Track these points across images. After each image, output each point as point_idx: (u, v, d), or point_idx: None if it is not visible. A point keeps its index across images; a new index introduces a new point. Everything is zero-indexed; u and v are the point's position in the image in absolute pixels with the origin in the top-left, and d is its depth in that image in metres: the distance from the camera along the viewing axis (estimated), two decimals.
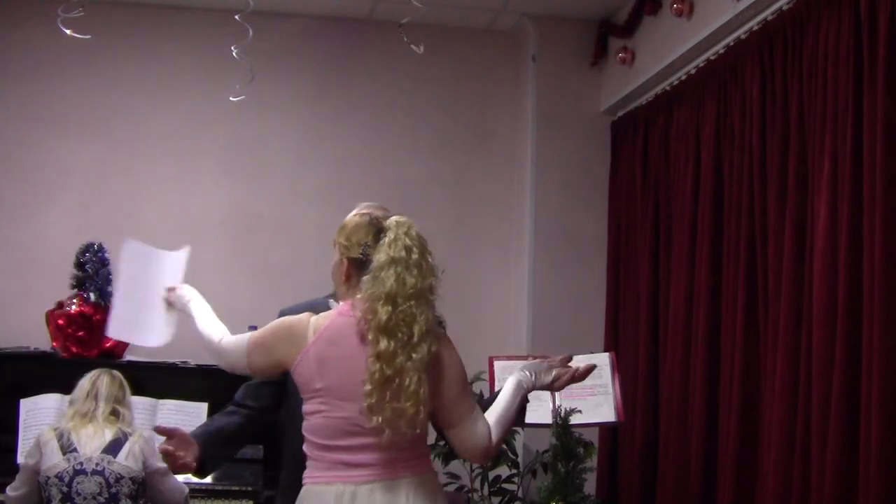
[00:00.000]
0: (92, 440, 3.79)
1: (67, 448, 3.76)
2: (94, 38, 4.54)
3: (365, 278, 2.60)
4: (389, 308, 2.54)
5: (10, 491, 3.88)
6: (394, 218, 2.72)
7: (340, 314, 2.65)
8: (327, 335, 2.60)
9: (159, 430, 2.79)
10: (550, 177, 5.62)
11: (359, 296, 2.61)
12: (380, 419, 2.51)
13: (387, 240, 2.64)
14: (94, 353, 4.87)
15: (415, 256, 2.62)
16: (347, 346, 2.59)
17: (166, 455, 2.76)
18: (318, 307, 2.81)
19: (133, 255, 3.13)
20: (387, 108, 5.82)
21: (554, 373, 2.78)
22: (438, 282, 2.66)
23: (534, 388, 2.76)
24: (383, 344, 2.53)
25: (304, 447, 2.66)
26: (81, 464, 3.74)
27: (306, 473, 2.65)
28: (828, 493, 3.42)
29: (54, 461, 3.76)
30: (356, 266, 2.68)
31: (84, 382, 3.93)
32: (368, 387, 2.51)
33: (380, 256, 2.61)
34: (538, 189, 5.61)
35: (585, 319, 5.53)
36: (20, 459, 4.14)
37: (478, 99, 5.91)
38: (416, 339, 2.54)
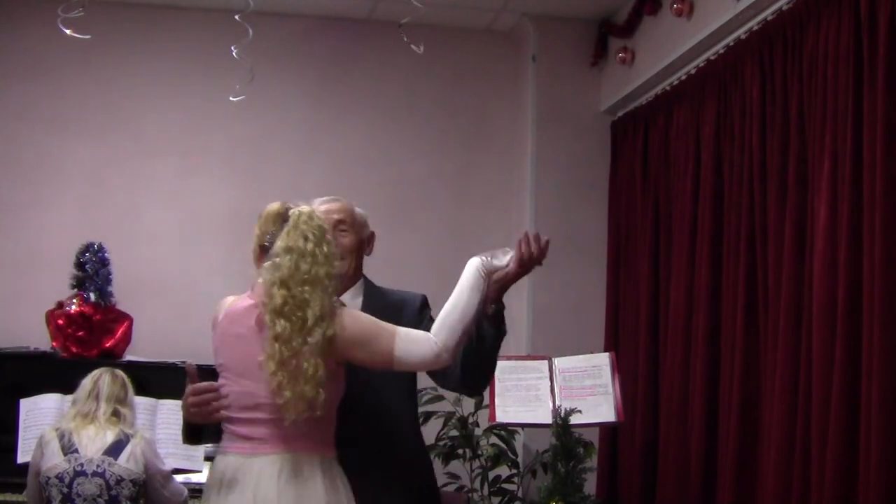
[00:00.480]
0: (93, 441, 3.79)
1: (68, 448, 3.76)
2: (94, 38, 4.53)
3: (266, 264, 2.75)
4: (284, 292, 2.66)
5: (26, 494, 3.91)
6: (297, 208, 2.83)
7: (247, 297, 2.79)
8: (231, 315, 2.77)
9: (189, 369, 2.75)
10: (550, 177, 5.62)
11: (260, 280, 2.75)
12: (283, 399, 2.62)
13: (287, 228, 2.77)
14: (94, 353, 4.86)
15: (310, 245, 2.73)
16: (245, 327, 2.72)
17: (200, 405, 2.72)
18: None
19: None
20: (387, 107, 5.82)
21: (511, 253, 2.81)
22: (336, 270, 2.77)
23: (492, 268, 2.81)
24: (279, 326, 2.65)
25: None
26: (82, 465, 3.74)
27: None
28: (828, 493, 3.42)
29: (55, 461, 3.76)
30: (264, 252, 2.81)
31: (86, 382, 3.93)
32: (272, 367, 2.63)
33: (279, 244, 2.74)
34: (538, 189, 5.61)
35: (585, 319, 5.53)
36: (20, 459, 4.14)
37: (478, 99, 5.91)
38: (310, 323, 2.65)
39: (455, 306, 2.70)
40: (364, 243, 3.21)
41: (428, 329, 2.72)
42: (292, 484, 2.62)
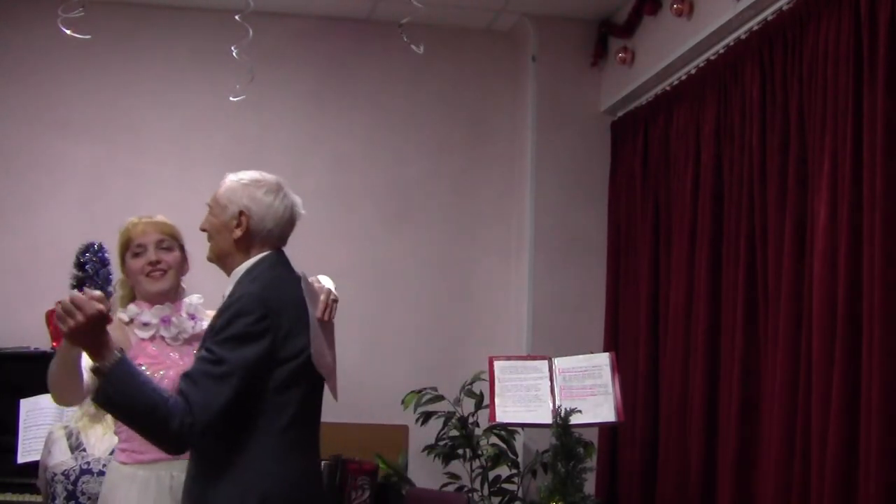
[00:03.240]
0: (101, 441, 3.78)
1: (76, 446, 3.76)
2: (94, 38, 4.53)
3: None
4: None
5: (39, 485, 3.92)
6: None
7: None
8: None
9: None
10: (550, 177, 5.62)
11: None
12: None
13: None
14: None
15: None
16: None
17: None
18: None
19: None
20: (387, 107, 5.82)
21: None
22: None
23: None
24: None
25: None
26: (88, 463, 3.74)
27: None
28: (828, 493, 3.42)
29: (61, 458, 3.76)
30: None
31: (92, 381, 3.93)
32: None
33: None
34: (538, 189, 5.61)
35: (585, 319, 5.53)
36: (20, 459, 4.14)
37: (478, 99, 5.91)
38: None
39: None
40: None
41: None
42: None
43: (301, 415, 2.69)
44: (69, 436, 3.79)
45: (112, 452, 3.75)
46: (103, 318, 2.45)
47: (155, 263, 3.20)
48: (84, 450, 3.76)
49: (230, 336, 2.58)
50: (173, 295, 3.24)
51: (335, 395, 2.83)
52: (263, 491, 2.59)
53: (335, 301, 2.82)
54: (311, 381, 2.73)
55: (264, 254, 2.82)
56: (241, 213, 2.83)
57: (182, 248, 3.28)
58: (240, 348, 2.57)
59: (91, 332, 2.43)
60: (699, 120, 4.71)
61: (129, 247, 3.24)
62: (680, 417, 4.60)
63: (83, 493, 3.72)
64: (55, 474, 3.75)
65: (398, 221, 5.77)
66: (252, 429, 2.61)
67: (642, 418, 4.96)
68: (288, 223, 2.86)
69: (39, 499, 3.90)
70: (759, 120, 4.17)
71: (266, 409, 2.62)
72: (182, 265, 3.28)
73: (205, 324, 3.06)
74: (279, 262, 2.83)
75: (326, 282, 2.92)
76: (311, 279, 2.85)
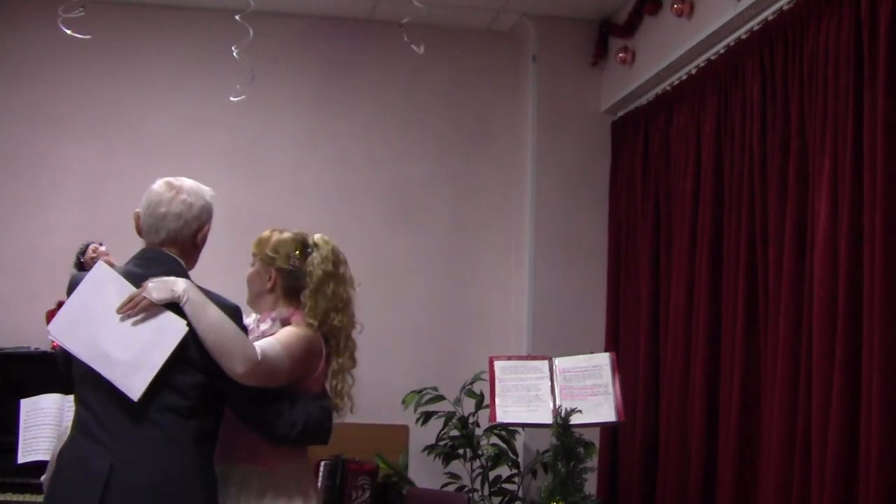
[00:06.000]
0: None
1: None
2: (94, 38, 4.54)
3: (305, 292, 3.03)
4: (340, 317, 3.04)
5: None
6: (318, 235, 3.14)
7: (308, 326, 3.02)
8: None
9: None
10: (550, 177, 5.62)
11: (304, 309, 3.02)
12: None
13: (318, 255, 3.08)
14: None
15: (341, 270, 3.10)
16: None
17: None
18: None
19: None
20: (387, 108, 5.82)
21: None
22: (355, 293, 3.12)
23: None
24: (342, 342, 3.08)
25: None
26: None
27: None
28: (828, 493, 3.42)
29: None
30: (283, 276, 3.08)
31: None
32: (342, 386, 3.07)
33: (315, 271, 3.05)
34: (538, 189, 5.61)
35: (585, 319, 5.53)
36: (20, 459, 4.13)
37: (478, 99, 5.91)
38: (343, 343, 3.08)
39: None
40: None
41: None
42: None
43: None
44: None
45: None
46: None
47: None
48: None
49: None
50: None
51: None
52: None
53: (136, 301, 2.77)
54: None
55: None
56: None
57: (259, 264, 3.19)
58: None
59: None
60: (699, 120, 4.71)
61: None
62: (680, 417, 4.60)
63: None
64: None
65: (398, 221, 5.77)
66: None
67: (642, 418, 4.96)
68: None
69: (40, 499, 3.88)
70: (759, 120, 4.17)
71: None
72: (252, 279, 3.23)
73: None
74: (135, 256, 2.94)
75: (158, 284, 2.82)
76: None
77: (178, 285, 2.77)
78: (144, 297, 2.75)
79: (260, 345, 2.81)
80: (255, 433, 2.90)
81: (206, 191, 2.97)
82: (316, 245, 3.10)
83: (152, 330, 2.76)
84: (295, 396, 2.92)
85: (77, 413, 2.85)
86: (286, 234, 3.13)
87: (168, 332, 2.75)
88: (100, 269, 2.87)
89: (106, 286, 2.82)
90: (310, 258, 3.07)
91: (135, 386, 2.71)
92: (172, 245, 2.91)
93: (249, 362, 2.73)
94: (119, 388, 2.72)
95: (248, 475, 2.93)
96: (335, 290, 3.04)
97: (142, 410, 2.72)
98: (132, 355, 2.73)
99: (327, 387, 3.09)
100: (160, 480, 2.68)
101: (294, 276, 3.07)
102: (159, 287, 2.76)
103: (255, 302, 3.17)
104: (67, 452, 2.82)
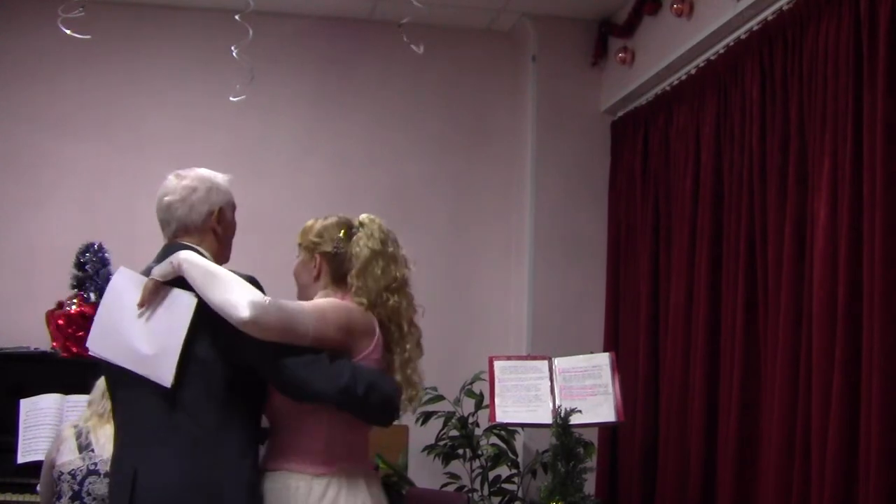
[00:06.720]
0: (110, 441, 3.78)
1: (84, 446, 3.76)
2: (94, 38, 4.54)
3: (352, 272, 2.81)
4: (396, 297, 2.87)
5: (39, 488, 3.91)
6: (364, 215, 2.92)
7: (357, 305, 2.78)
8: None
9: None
10: (550, 177, 5.62)
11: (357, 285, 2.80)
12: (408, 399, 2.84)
13: (363, 233, 2.86)
14: None
15: (390, 249, 2.89)
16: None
17: None
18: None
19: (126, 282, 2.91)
20: (387, 108, 5.82)
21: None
22: (410, 273, 2.92)
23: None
24: (405, 328, 2.92)
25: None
26: (96, 464, 3.74)
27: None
28: (828, 493, 3.42)
29: (69, 458, 3.76)
30: (328, 260, 2.87)
31: (101, 382, 3.92)
32: (417, 377, 2.93)
33: (361, 251, 2.82)
34: (538, 189, 5.61)
35: (585, 319, 5.53)
36: (20, 459, 4.14)
37: (478, 99, 5.91)
38: (406, 328, 2.91)
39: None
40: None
41: None
42: None
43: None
44: (78, 435, 3.80)
45: None
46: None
47: None
48: (92, 450, 3.76)
49: None
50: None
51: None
52: None
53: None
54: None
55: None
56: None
57: (304, 253, 3.04)
58: None
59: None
60: (699, 120, 4.71)
61: None
62: (680, 417, 4.60)
63: (88, 494, 3.72)
64: (62, 473, 3.76)
65: (398, 221, 5.69)
66: None
67: (642, 418, 4.96)
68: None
69: (39, 499, 3.89)
70: (759, 120, 4.17)
71: None
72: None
73: None
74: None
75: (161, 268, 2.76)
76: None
77: (176, 257, 2.69)
78: (150, 280, 2.70)
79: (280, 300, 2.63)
80: (293, 397, 2.63)
81: (218, 175, 2.92)
82: (362, 224, 2.89)
83: (165, 311, 2.73)
84: (340, 358, 2.68)
85: (113, 417, 2.85)
86: (330, 219, 2.95)
87: (179, 308, 2.70)
88: (119, 273, 2.86)
89: (127, 288, 2.81)
90: (355, 238, 2.86)
91: (164, 374, 2.66)
92: (186, 234, 2.86)
93: (256, 306, 2.51)
94: (154, 381, 2.68)
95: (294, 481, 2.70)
96: (385, 268, 2.82)
97: (168, 414, 2.63)
98: (157, 345, 2.72)
99: (397, 378, 2.90)
100: (186, 485, 2.56)
101: (340, 259, 2.85)
102: (161, 265, 2.72)
103: (303, 295, 2.94)
104: (112, 457, 2.84)
